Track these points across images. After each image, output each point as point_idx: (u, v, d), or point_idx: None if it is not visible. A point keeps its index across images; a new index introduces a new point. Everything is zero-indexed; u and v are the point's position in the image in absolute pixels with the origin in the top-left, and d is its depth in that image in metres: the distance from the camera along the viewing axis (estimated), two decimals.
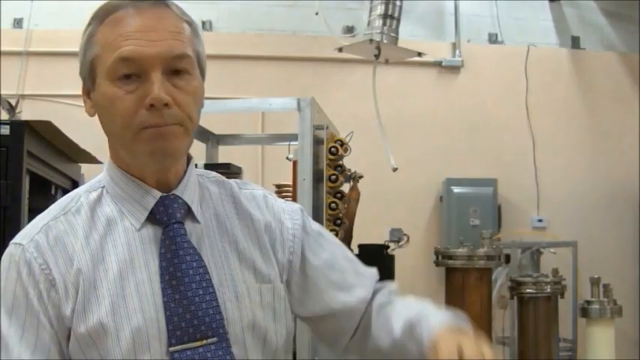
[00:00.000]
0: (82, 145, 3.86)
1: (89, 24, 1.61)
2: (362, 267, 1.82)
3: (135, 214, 1.60)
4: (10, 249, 1.58)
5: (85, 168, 4.48)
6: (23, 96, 6.51)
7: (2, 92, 3.63)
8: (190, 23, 1.63)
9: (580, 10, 7.43)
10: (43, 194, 3.82)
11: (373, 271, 1.84)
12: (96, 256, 1.56)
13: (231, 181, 1.78)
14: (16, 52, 7.01)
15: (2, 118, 3.44)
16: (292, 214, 1.76)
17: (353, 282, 1.76)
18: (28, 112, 4.02)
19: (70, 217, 1.61)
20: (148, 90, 1.50)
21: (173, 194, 1.62)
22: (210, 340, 1.51)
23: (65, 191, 4.09)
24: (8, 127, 3.06)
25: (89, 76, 1.59)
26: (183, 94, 1.54)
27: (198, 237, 1.61)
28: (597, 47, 7.37)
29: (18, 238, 1.59)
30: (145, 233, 1.58)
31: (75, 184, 4.22)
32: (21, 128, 3.09)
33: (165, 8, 1.58)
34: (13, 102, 3.65)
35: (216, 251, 1.61)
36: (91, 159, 4.21)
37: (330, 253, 1.78)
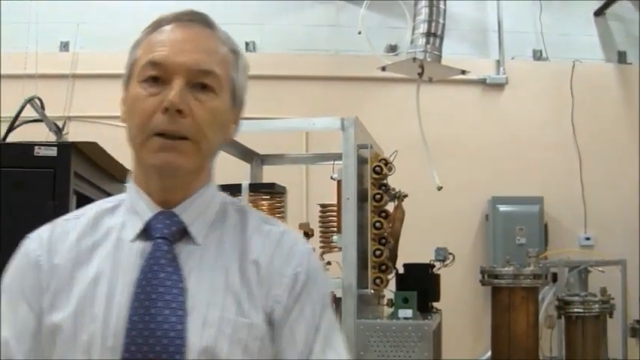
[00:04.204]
0: (128, 166, 3.89)
1: (141, 33, 1.66)
2: None
3: (133, 226, 1.61)
4: (24, 240, 1.70)
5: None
6: (70, 118, 6.59)
7: (49, 114, 3.67)
8: (234, 51, 1.65)
9: (626, 25, 7.36)
10: None
11: None
12: (80, 257, 1.59)
13: (256, 214, 1.73)
14: (63, 75, 7.10)
15: (49, 140, 3.47)
16: (300, 263, 1.61)
17: None
18: (74, 134, 4.06)
19: (76, 220, 1.68)
20: (167, 95, 1.52)
21: (171, 211, 1.61)
22: None
23: None
24: (55, 148, 3.09)
25: (127, 79, 1.63)
26: (202, 109, 1.55)
27: (189, 258, 1.58)
28: None
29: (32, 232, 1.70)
30: (136, 246, 1.59)
31: None
32: (68, 150, 3.11)
33: (209, 30, 1.62)
34: (60, 124, 3.68)
35: (203, 276, 1.56)
36: None
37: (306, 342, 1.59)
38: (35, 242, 1.66)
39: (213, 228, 1.63)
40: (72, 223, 1.67)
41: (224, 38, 1.64)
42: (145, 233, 1.59)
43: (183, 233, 1.60)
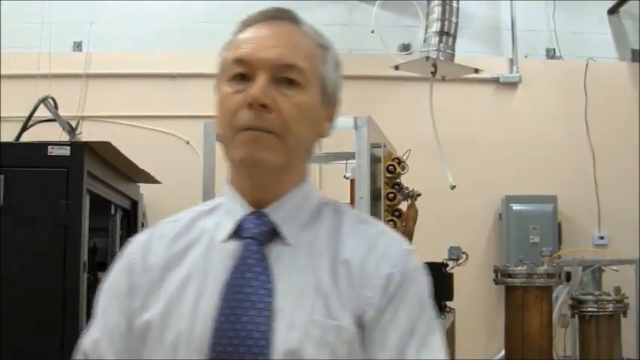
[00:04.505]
0: (141, 165, 3.90)
1: (230, 34, 1.67)
2: None
3: (225, 227, 1.61)
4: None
5: (143, 188, 4.52)
6: (83, 117, 6.60)
7: (63, 114, 3.68)
8: (322, 46, 1.65)
9: None
10: (103, 213, 3.86)
11: None
12: (173, 259, 1.60)
13: (353, 213, 1.69)
14: (76, 75, 7.11)
15: (63, 139, 3.48)
16: (395, 264, 1.55)
17: None
18: (87, 134, 4.07)
19: (174, 223, 1.69)
20: (251, 90, 1.52)
21: (262, 211, 1.59)
22: None
23: (124, 211, 4.13)
24: (69, 148, 3.11)
25: (218, 81, 1.65)
26: (288, 103, 1.53)
27: (279, 259, 1.56)
28: None
29: None
30: (227, 246, 1.58)
31: (134, 204, 4.26)
32: (81, 149, 3.13)
33: (295, 26, 1.63)
34: (73, 124, 3.70)
35: (293, 277, 1.53)
36: (150, 179, 4.25)
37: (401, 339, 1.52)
38: (133, 245, 1.69)
39: (306, 228, 1.61)
40: (170, 226, 1.69)
41: (310, 33, 1.64)
42: (237, 234, 1.59)
43: (274, 234, 1.58)
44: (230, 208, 1.63)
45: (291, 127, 1.53)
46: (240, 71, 1.56)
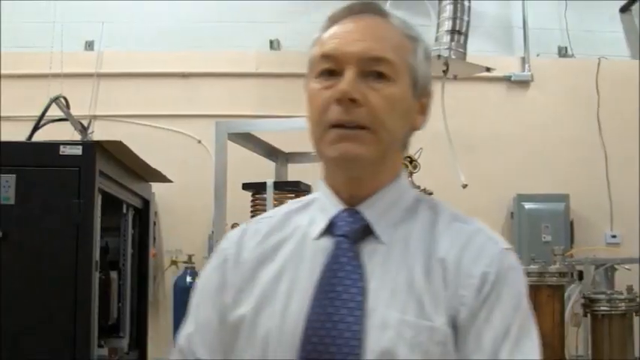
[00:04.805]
0: (153, 165, 3.90)
1: (319, 30, 1.65)
2: None
3: (318, 224, 1.59)
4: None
5: (155, 187, 4.52)
6: (95, 117, 6.62)
7: (74, 113, 3.69)
8: (411, 37, 1.59)
9: None
10: (115, 212, 3.87)
11: None
12: (265, 254, 1.60)
13: (449, 211, 1.63)
14: (88, 74, 7.14)
15: (74, 138, 3.49)
16: (490, 262, 1.51)
17: None
18: (99, 133, 4.08)
19: (269, 219, 1.69)
20: (339, 85, 1.50)
21: (355, 208, 1.57)
22: None
23: (136, 210, 4.14)
24: (80, 147, 3.11)
25: (307, 78, 1.61)
26: (378, 96, 1.50)
27: (372, 257, 1.53)
28: None
29: None
30: (320, 243, 1.56)
31: (146, 203, 4.27)
32: (93, 148, 3.14)
33: (382, 18, 1.59)
34: (85, 123, 3.70)
35: (386, 275, 1.50)
36: (162, 178, 4.25)
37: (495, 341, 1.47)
38: (227, 240, 1.70)
39: (400, 226, 1.57)
40: (264, 222, 1.68)
41: (399, 25, 1.59)
42: (329, 231, 1.57)
43: (367, 231, 1.55)
44: (323, 205, 1.61)
45: (382, 121, 1.51)
46: (328, 67, 1.53)
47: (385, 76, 1.52)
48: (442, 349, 1.45)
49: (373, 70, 1.51)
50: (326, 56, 1.54)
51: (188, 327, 1.66)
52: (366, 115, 1.49)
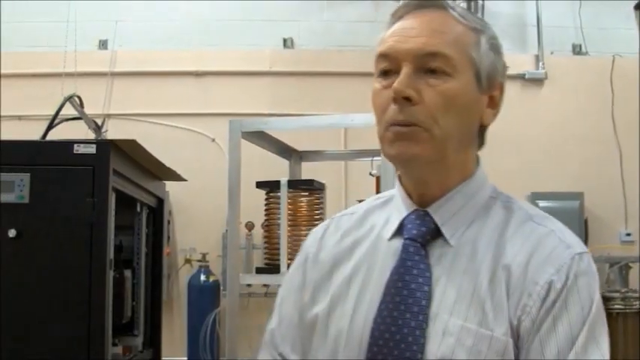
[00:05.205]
0: (167, 163, 3.91)
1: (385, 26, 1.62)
2: None
3: (392, 225, 1.58)
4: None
5: (169, 185, 4.53)
6: (109, 115, 6.64)
7: (88, 112, 3.70)
8: (476, 30, 1.54)
9: None
10: (129, 211, 3.87)
11: None
12: (342, 254, 1.62)
13: (524, 211, 1.57)
14: (102, 73, 7.15)
15: (88, 137, 3.49)
16: (558, 269, 1.43)
17: None
18: (113, 132, 4.09)
19: (350, 216, 1.69)
20: (394, 84, 1.48)
21: (424, 210, 1.54)
22: None
23: (150, 208, 4.14)
24: (94, 146, 3.11)
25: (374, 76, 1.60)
26: (433, 93, 1.46)
27: (440, 260, 1.50)
28: None
29: None
30: (393, 244, 1.56)
31: (160, 202, 4.27)
32: (107, 147, 3.14)
33: (443, 12, 1.54)
34: (99, 122, 3.71)
35: (452, 280, 1.47)
36: (176, 176, 4.25)
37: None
38: (310, 238, 1.72)
39: (471, 227, 1.53)
40: (345, 219, 1.69)
41: (460, 17, 1.54)
42: (400, 232, 1.56)
43: (436, 233, 1.52)
44: (398, 204, 1.59)
45: (437, 118, 1.46)
46: (386, 66, 1.51)
47: (442, 71, 1.48)
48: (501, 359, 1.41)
49: (429, 66, 1.48)
50: (384, 55, 1.52)
51: (272, 322, 1.69)
52: (420, 113, 1.46)
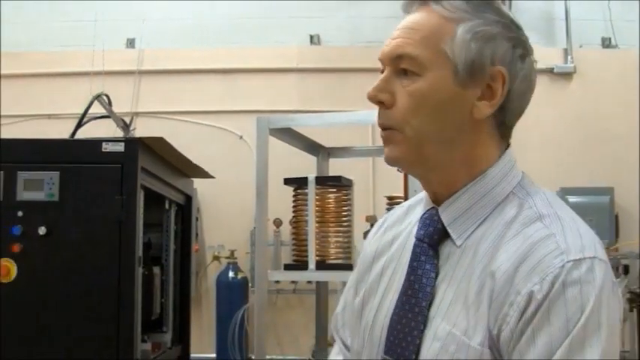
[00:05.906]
0: (195, 161, 3.92)
1: None
2: None
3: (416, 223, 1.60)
4: None
5: (197, 183, 4.54)
6: (137, 113, 6.66)
7: (116, 110, 3.71)
8: (455, 20, 1.46)
9: None
10: (157, 209, 3.89)
11: None
12: (380, 249, 1.66)
13: (534, 209, 1.45)
14: (129, 72, 7.19)
15: (117, 135, 3.51)
16: (542, 279, 1.32)
17: None
18: (141, 130, 4.10)
19: (400, 209, 1.73)
20: None
21: (435, 209, 1.52)
22: None
23: (178, 206, 4.15)
24: (123, 144, 3.12)
25: None
26: (404, 94, 1.45)
27: (448, 261, 1.48)
28: None
29: None
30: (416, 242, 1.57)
31: (188, 199, 4.28)
32: (135, 145, 3.15)
33: (425, 7, 1.50)
34: (127, 120, 3.72)
35: (452, 283, 1.44)
36: (204, 174, 4.26)
37: None
38: (374, 228, 1.76)
39: (481, 227, 1.47)
40: (397, 212, 1.72)
41: (441, 9, 1.47)
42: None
43: (445, 233, 1.49)
44: (425, 202, 1.59)
45: (407, 119, 1.45)
46: (382, 69, 1.52)
47: (412, 72, 1.45)
48: None
49: (401, 67, 1.47)
50: (379, 60, 1.53)
51: (338, 306, 1.78)
52: (391, 117, 1.47)
